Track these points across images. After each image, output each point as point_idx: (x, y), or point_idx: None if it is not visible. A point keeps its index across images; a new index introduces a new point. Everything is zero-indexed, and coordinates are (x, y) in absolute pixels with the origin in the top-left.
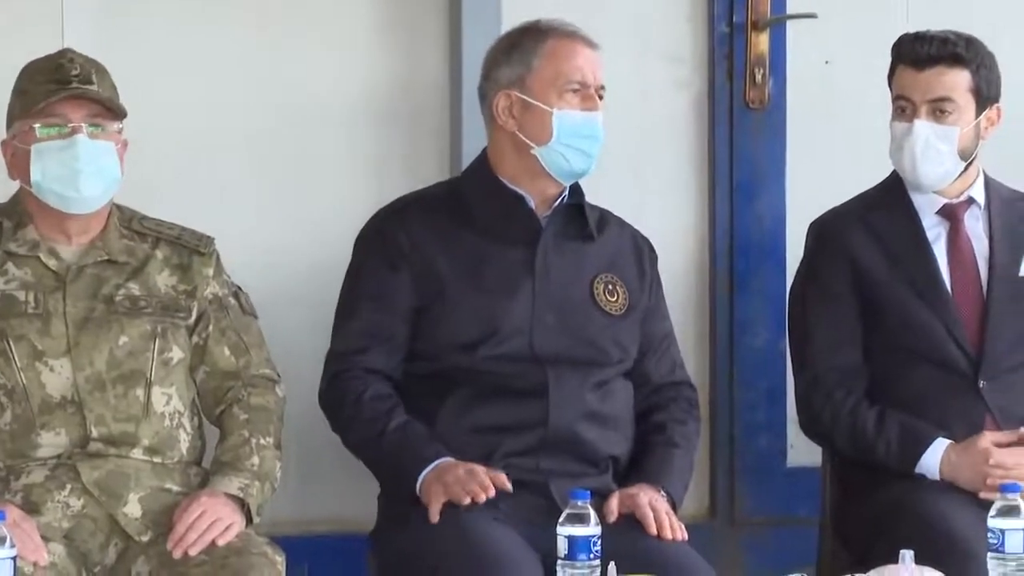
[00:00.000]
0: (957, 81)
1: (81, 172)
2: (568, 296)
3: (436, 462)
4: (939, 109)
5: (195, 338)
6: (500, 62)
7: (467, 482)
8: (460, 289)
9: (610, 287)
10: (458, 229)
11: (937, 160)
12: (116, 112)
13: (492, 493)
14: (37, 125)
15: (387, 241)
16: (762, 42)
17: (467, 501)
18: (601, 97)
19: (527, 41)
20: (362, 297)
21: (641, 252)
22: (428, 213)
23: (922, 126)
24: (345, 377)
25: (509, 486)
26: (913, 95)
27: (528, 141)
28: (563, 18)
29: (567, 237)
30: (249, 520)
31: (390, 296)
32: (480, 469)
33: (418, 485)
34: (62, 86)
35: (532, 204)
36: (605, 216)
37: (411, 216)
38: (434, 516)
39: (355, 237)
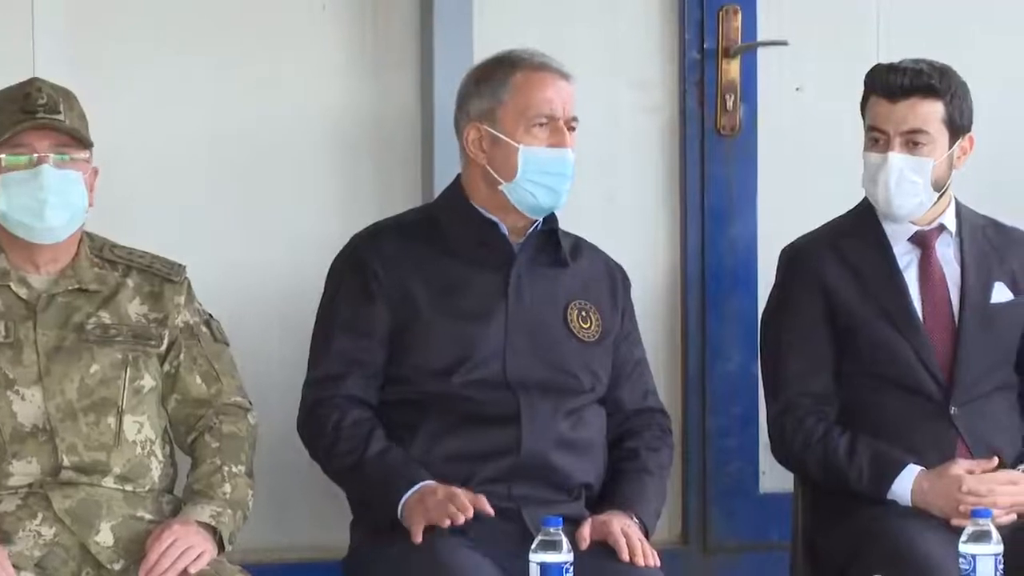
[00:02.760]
0: (931, 113)
1: (47, 202)
2: (541, 322)
3: (417, 485)
4: (913, 141)
5: (166, 366)
6: (472, 93)
7: (446, 505)
8: (434, 315)
9: (583, 314)
10: (432, 255)
11: (911, 192)
12: (83, 141)
13: (470, 514)
14: (2, 155)
15: (362, 267)
16: (733, 69)
17: (447, 524)
18: (573, 129)
19: (497, 73)
20: (338, 324)
21: (614, 279)
22: (402, 239)
23: (896, 158)
24: (324, 406)
25: (489, 509)
26: (887, 127)
27: (496, 176)
28: (534, 45)
29: (540, 264)
30: (221, 548)
31: (366, 322)
32: (459, 491)
33: (399, 509)
34: (28, 116)
35: (505, 230)
36: (579, 243)
37: (385, 242)
38: (416, 537)
39: (327, 264)
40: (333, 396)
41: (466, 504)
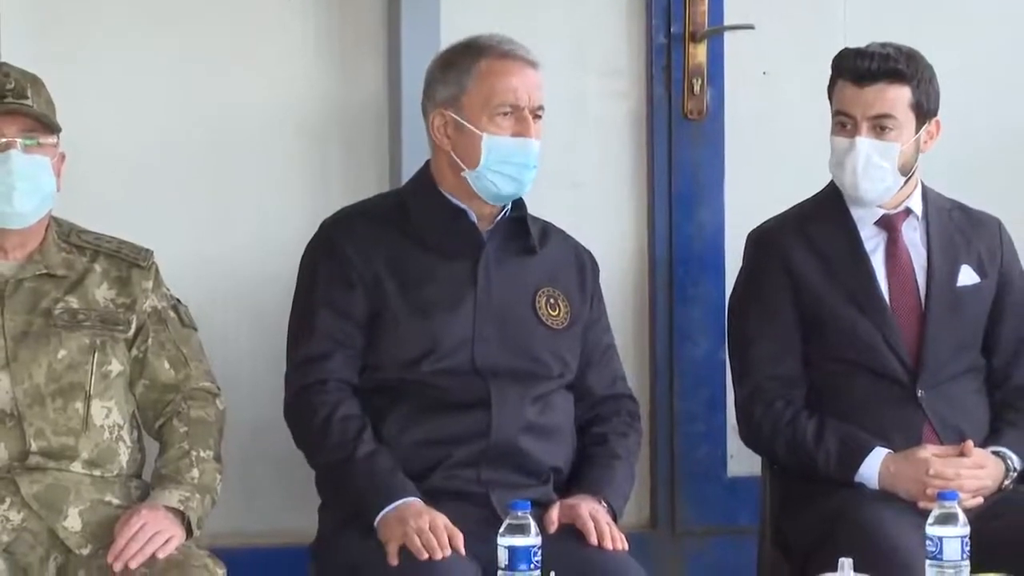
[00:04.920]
0: (898, 97)
1: (15, 187)
2: (510, 310)
3: (399, 501)
4: (880, 126)
5: (134, 351)
6: (437, 79)
7: (427, 537)
8: (403, 304)
9: (552, 300)
10: (401, 242)
11: (878, 176)
12: (51, 126)
13: (448, 553)
14: None
15: (337, 253)
16: (700, 53)
17: (424, 557)
18: (539, 117)
19: (463, 60)
20: (319, 305)
21: (583, 265)
22: (373, 225)
23: (864, 143)
24: (312, 391)
25: (463, 551)
26: (854, 111)
27: (461, 163)
28: (501, 31)
29: (509, 251)
30: (189, 533)
31: (346, 305)
32: (441, 524)
33: (377, 520)
34: None
35: (474, 218)
36: (547, 229)
37: (357, 228)
38: (392, 559)
39: (295, 250)
40: (321, 380)
41: (445, 542)
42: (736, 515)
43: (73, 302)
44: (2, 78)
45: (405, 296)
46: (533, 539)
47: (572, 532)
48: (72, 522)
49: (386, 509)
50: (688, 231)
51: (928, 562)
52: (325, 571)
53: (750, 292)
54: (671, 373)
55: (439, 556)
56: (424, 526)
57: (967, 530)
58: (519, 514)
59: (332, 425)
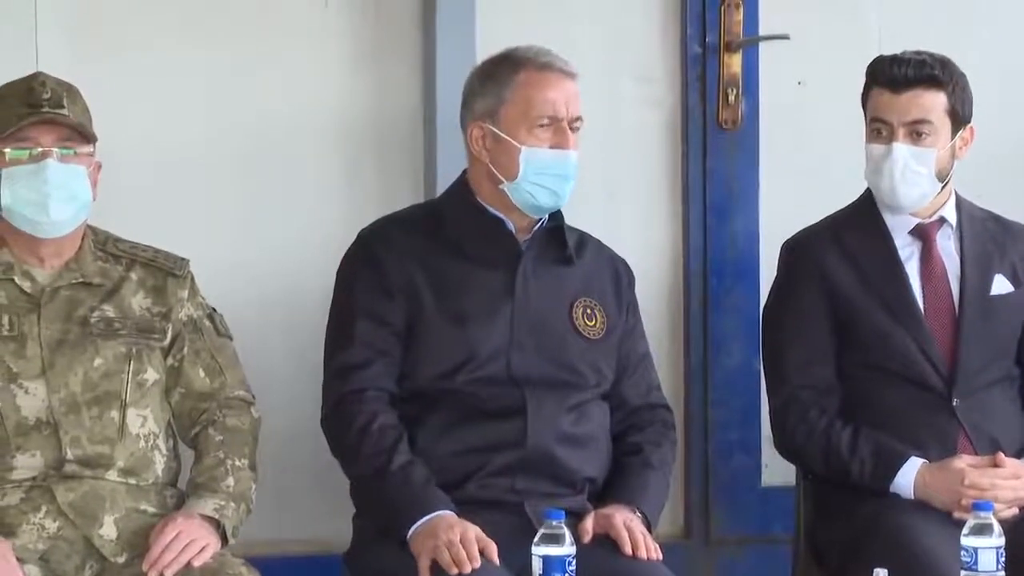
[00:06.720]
0: (934, 103)
1: (51, 196)
2: (546, 320)
3: (431, 515)
4: (916, 131)
5: (170, 360)
6: (475, 92)
7: (457, 550)
8: (440, 314)
9: (588, 311)
10: (438, 252)
11: (915, 182)
12: (87, 136)
13: (477, 565)
14: (7, 149)
15: (375, 262)
16: (735, 63)
17: (453, 572)
18: (576, 129)
19: (501, 72)
20: (358, 314)
21: (619, 275)
22: (410, 235)
23: (901, 149)
24: (350, 400)
25: (496, 559)
26: (890, 117)
27: (499, 175)
28: (536, 40)
29: (546, 261)
30: (224, 541)
31: (384, 314)
32: (472, 536)
33: (410, 533)
34: (33, 110)
35: (512, 227)
36: (584, 239)
37: (395, 238)
38: (424, 574)
39: (330, 258)
40: (359, 389)
41: (475, 554)
42: (770, 525)
43: (109, 311)
44: (38, 87)
45: (442, 305)
46: (567, 548)
47: (606, 542)
48: (108, 530)
49: (418, 523)
50: (722, 240)
51: (963, 573)
52: None
53: (784, 301)
54: (705, 382)
55: (467, 570)
56: (455, 539)
57: (1002, 541)
58: (554, 523)
59: (369, 435)
